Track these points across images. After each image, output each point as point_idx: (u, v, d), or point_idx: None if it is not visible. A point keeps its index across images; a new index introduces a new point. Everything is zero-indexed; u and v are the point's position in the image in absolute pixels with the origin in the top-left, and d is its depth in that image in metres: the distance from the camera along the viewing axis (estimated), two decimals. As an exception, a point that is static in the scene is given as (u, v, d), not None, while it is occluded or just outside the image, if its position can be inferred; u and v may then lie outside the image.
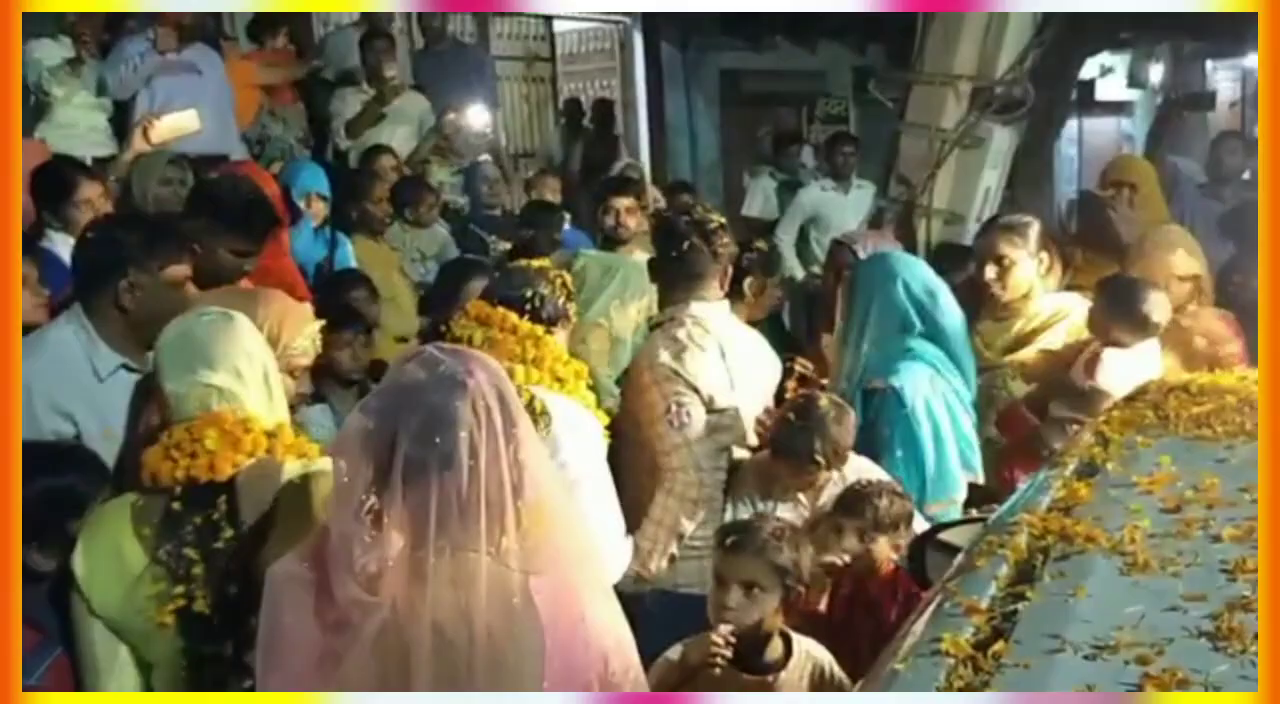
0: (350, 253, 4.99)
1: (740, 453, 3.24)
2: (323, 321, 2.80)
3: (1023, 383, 3.72)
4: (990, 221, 4.39)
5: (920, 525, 3.01)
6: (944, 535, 2.78)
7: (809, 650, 2.53)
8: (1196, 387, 2.53)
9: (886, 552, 2.86)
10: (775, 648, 2.50)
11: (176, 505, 2.07)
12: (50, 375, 2.63)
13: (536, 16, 9.55)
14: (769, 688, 2.47)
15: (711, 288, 3.28)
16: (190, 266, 2.85)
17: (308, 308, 2.83)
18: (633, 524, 3.05)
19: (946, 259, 4.66)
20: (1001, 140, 5.95)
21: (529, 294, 2.90)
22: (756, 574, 2.46)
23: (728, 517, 3.11)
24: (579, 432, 2.74)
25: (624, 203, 4.86)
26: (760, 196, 7.81)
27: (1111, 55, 9.97)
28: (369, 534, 1.68)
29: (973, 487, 3.42)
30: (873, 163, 6.96)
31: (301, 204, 4.99)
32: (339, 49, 7.04)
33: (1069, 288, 4.05)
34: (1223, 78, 10.32)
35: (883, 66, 8.78)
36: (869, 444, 3.27)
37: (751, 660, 2.47)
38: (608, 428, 2.98)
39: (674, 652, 2.51)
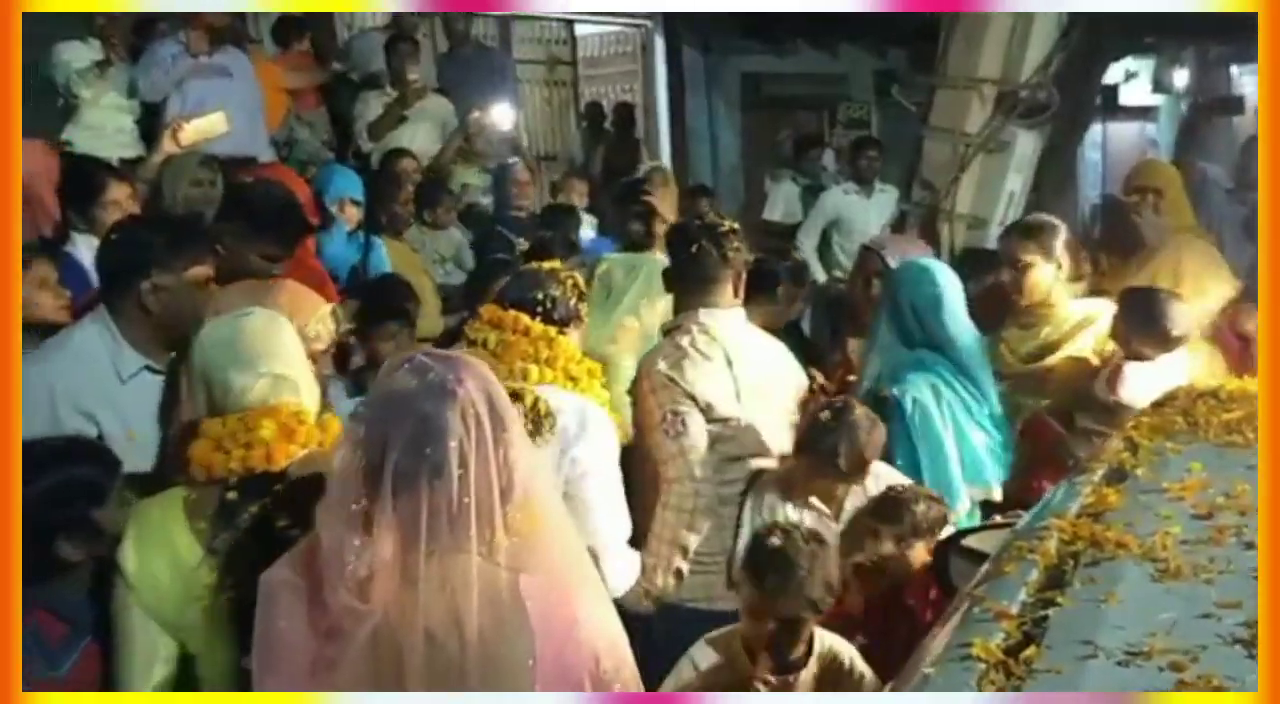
0: (385, 255, 5.01)
1: (763, 463, 3.18)
2: (333, 305, 2.86)
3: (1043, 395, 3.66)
4: (1011, 226, 4.32)
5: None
6: (968, 541, 2.74)
7: (831, 645, 2.54)
8: (1226, 393, 2.51)
9: (923, 556, 2.86)
10: (799, 648, 2.51)
11: (232, 495, 2.10)
12: (74, 376, 2.64)
13: (559, 19, 9.56)
14: (789, 688, 2.47)
15: (723, 293, 3.20)
16: (212, 267, 2.86)
17: (316, 295, 2.86)
18: (643, 537, 3.02)
19: (970, 264, 4.61)
20: (1026, 145, 5.90)
21: (540, 296, 2.90)
22: (797, 611, 2.47)
23: (746, 526, 3.07)
24: (589, 427, 2.73)
25: (650, 203, 4.85)
26: (782, 201, 7.77)
27: (1136, 60, 9.90)
28: (360, 540, 1.69)
29: (986, 502, 3.37)
30: (895, 167, 6.92)
31: (334, 208, 5.01)
32: (364, 52, 7.06)
33: (1093, 293, 4.02)
34: (1249, 82, 10.24)
35: (906, 70, 8.75)
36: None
37: (776, 662, 2.48)
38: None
39: (703, 659, 2.51)
